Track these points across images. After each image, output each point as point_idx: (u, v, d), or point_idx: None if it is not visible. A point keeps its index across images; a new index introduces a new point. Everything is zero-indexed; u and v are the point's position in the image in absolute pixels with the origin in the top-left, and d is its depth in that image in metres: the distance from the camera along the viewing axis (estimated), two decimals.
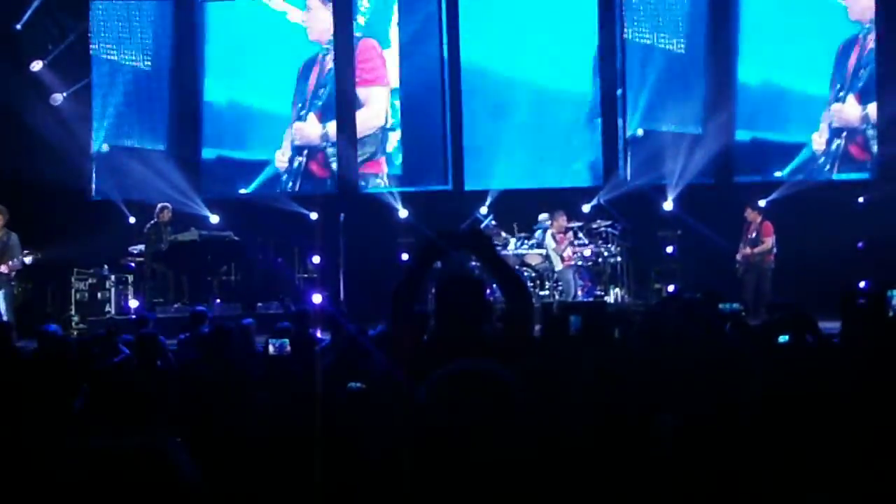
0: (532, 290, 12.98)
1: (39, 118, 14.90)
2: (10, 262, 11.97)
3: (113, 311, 13.83)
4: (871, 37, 14.74)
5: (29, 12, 15.20)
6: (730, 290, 10.79)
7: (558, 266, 13.43)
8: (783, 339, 5.37)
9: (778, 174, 14.91)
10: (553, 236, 13.47)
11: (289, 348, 5.71)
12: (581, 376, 3.99)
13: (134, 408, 4.30)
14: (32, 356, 6.99)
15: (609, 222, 14.02)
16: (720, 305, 4.76)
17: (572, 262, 13.47)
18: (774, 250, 13.05)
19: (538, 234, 13.93)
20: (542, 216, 14.00)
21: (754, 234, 13.11)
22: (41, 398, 3.90)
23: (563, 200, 14.38)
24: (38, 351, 7.26)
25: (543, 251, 13.66)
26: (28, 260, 12.18)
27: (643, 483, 2.73)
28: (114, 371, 5.58)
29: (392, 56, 15.73)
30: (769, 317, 8.77)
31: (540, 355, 3.84)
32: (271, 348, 5.78)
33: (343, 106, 15.65)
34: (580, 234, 13.81)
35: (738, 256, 13.15)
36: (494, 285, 8.71)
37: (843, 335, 6.17)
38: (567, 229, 13.52)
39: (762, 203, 13.94)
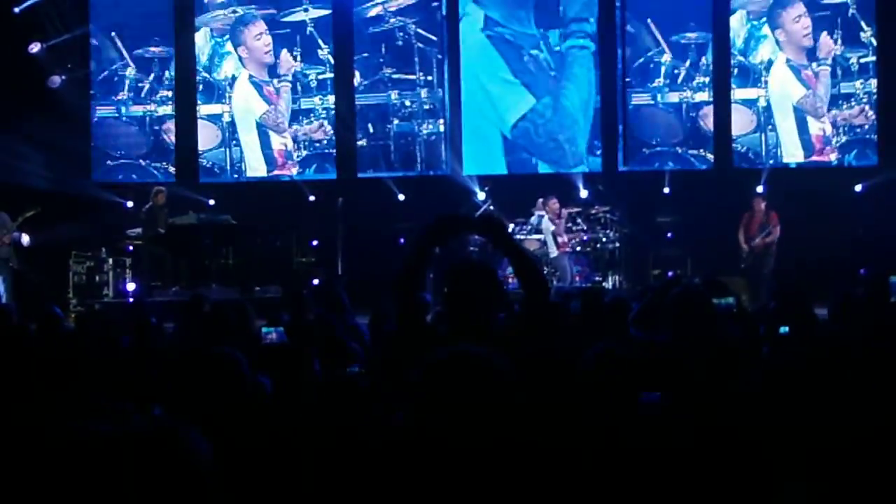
0: None
1: (37, 100, 14.87)
2: (10, 236, 12.02)
3: (111, 294, 13.84)
4: None
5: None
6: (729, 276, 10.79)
7: (553, 252, 13.43)
8: (784, 329, 5.35)
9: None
10: (551, 220, 13.47)
11: (284, 337, 5.59)
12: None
13: (131, 390, 4.31)
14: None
15: (607, 208, 14.01)
16: (714, 301, 4.77)
17: (568, 249, 13.48)
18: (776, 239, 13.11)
19: (534, 219, 13.93)
20: (540, 202, 14.03)
21: (760, 224, 13.12)
22: (43, 380, 3.90)
23: (561, 186, 14.36)
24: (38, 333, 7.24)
25: (541, 236, 13.66)
26: (25, 241, 12.18)
27: (631, 469, 2.74)
28: (111, 354, 5.57)
29: None
30: (766, 303, 8.80)
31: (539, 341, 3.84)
32: (269, 336, 5.67)
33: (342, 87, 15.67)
34: (578, 220, 13.80)
35: (745, 246, 13.15)
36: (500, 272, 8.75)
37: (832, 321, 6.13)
38: (560, 212, 13.51)
39: (759, 189, 13.97)
